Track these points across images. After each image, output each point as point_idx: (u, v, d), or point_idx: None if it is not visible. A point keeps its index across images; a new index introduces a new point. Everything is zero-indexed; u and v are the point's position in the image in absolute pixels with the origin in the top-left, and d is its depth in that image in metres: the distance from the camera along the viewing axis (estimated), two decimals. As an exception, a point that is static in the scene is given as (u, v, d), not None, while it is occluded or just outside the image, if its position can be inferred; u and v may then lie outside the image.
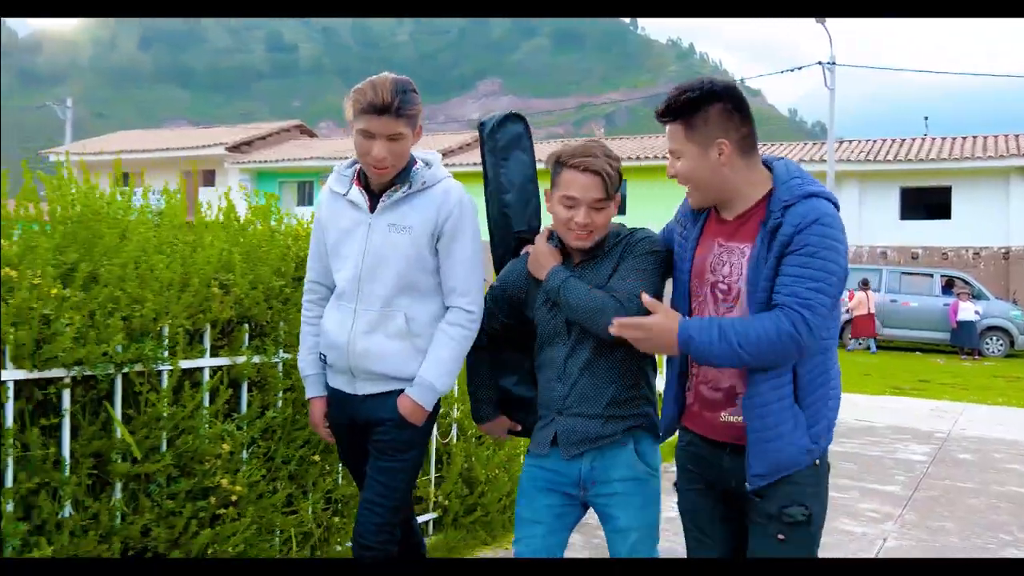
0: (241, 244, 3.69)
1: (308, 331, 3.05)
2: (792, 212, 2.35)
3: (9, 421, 2.75)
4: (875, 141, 28.66)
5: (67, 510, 2.87)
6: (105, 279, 3.03)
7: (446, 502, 4.61)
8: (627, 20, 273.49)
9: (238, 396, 3.55)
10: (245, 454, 3.46)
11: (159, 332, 3.16)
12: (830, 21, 24.80)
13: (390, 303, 2.82)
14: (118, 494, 3.03)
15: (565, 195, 2.63)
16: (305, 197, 33.80)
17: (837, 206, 2.42)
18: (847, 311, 19.46)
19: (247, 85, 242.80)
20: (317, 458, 3.73)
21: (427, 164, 2.91)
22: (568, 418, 2.71)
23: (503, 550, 4.56)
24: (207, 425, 3.29)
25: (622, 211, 27.56)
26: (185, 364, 3.25)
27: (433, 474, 4.61)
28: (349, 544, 3.87)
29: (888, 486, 6.55)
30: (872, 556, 4.82)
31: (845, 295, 17.60)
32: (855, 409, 9.84)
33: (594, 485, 2.71)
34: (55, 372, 2.84)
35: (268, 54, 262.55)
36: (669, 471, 2.76)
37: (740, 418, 2.44)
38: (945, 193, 25.58)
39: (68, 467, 2.89)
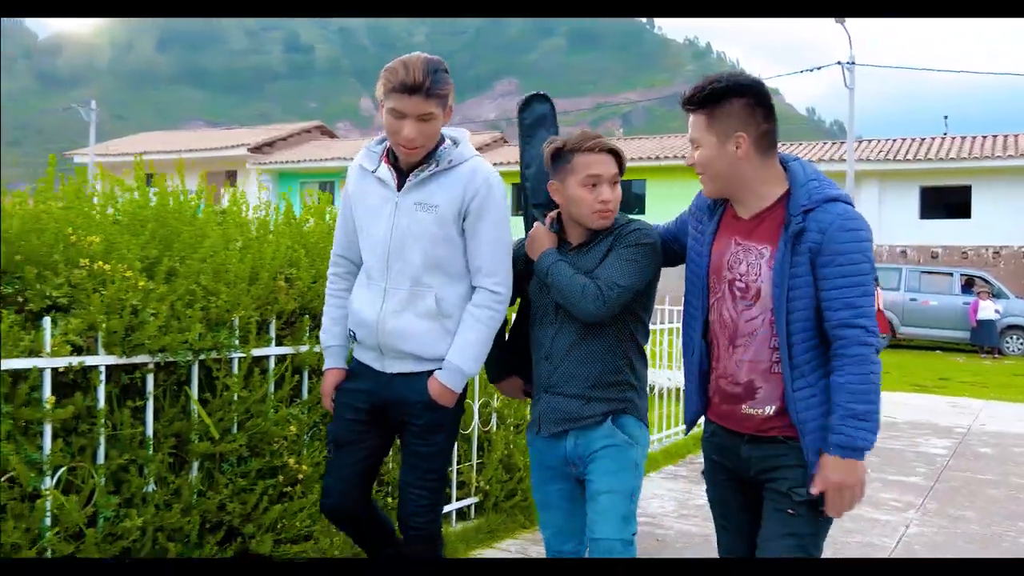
0: (301, 240, 3.92)
1: (332, 303, 3.07)
2: (815, 218, 2.40)
3: (101, 403, 2.98)
4: (894, 140, 28.68)
5: (151, 485, 3.11)
6: (184, 273, 3.26)
7: (487, 487, 4.83)
8: (644, 19, 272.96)
9: (301, 382, 3.78)
10: (307, 436, 3.68)
11: (231, 322, 3.39)
12: (849, 20, 24.85)
13: (419, 282, 2.83)
14: (195, 472, 3.27)
15: (588, 175, 2.74)
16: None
17: (853, 205, 2.47)
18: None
19: (263, 86, 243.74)
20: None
21: (455, 142, 2.90)
22: (552, 396, 2.81)
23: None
24: (274, 409, 3.52)
25: (641, 210, 27.73)
26: (256, 352, 3.48)
27: (475, 460, 4.83)
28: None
29: (910, 477, 6.72)
30: (895, 542, 5.00)
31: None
32: (876, 404, 9.97)
33: (580, 460, 2.79)
34: (141, 358, 3.07)
35: (284, 55, 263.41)
36: (696, 462, 2.93)
37: (760, 411, 2.53)
38: (965, 192, 25.59)
39: (152, 446, 3.12)
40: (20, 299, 2.87)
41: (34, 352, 2.80)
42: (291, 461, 3.48)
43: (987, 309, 19.47)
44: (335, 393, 3.02)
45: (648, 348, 3.03)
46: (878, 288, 19.92)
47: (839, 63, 25.21)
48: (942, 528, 5.36)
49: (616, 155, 2.80)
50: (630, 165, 29.18)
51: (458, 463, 4.72)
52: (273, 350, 3.60)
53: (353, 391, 2.97)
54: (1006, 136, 27.11)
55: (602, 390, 2.77)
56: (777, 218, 2.49)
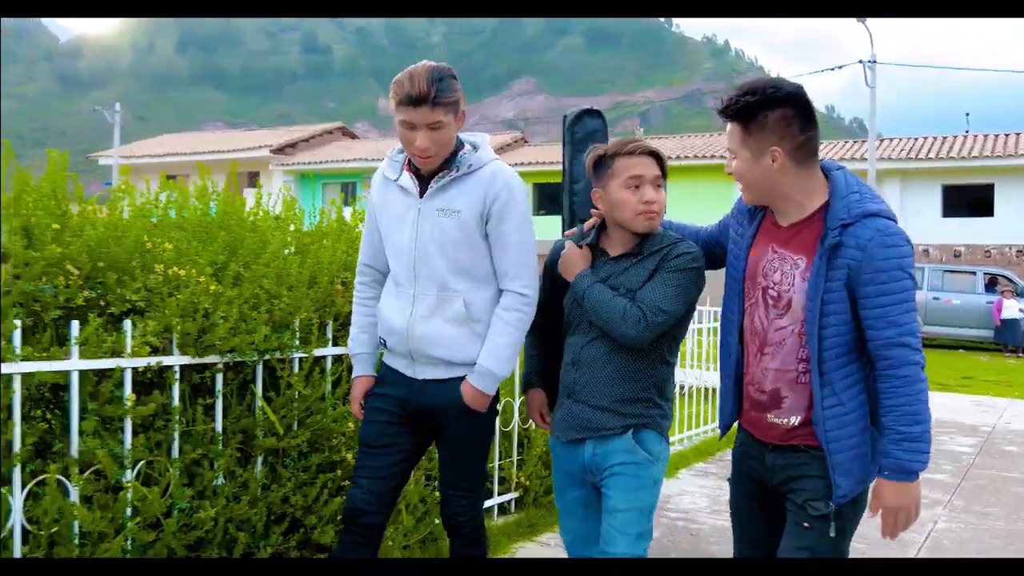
0: (353, 245, 4.10)
1: (359, 311, 3.09)
2: (853, 234, 2.35)
3: (176, 400, 3.17)
4: (916, 139, 28.62)
5: (220, 478, 3.29)
6: (249, 278, 3.44)
7: (527, 482, 5.00)
8: (661, 18, 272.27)
9: (356, 381, 3.95)
10: (363, 433, 3.85)
11: (293, 324, 3.56)
12: (870, 18, 24.86)
13: (446, 287, 2.83)
14: (260, 466, 3.44)
15: (630, 176, 2.69)
16: (348, 198, 34.35)
17: (894, 220, 2.40)
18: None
19: (282, 87, 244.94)
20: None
21: (474, 147, 2.90)
22: (574, 403, 2.77)
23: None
24: (332, 407, 3.69)
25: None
26: (316, 352, 3.66)
27: (515, 457, 5.00)
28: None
29: (936, 475, 6.83)
30: (923, 537, 5.13)
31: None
32: (901, 403, 10.06)
33: (598, 471, 2.76)
34: (211, 358, 3.26)
35: (303, 56, 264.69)
36: (725, 459, 3.00)
37: (785, 420, 2.50)
38: (987, 190, 25.52)
39: (221, 441, 3.30)
40: (102, 303, 3.05)
41: (116, 353, 2.98)
42: (348, 456, 3.65)
43: (1011, 308, 19.43)
44: (365, 399, 3.05)
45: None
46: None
47: (860, 61, 25.20)
48: (969, 524, 5.48)
49: (657, 157, 2.76)
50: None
51: (499, 459, 4.89)
52: (331, 350, 3.78)
53: (384, 396, 2.99)
54: (1029, 134, 27.03)
55: (624, 405, 2.73)
56: (815, 229, 2.44)
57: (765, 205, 2.57)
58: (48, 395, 2.94)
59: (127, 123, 43.51)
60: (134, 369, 3.03)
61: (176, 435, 3.16)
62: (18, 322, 2.72)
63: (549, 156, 31.47)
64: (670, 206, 2.81)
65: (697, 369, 7.63)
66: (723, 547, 4.77)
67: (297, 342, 3.56)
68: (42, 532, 2.75)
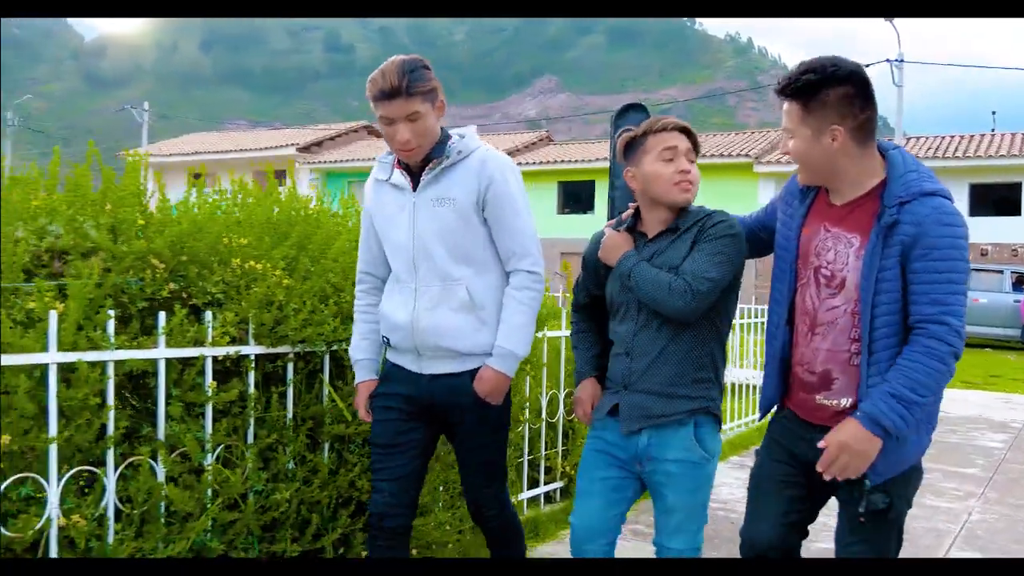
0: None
1: (360, 318, 3.13)
2: (910, 211, 2.32)
3: (251, 388, 3.34)
4: (943, 137, 28.56)
5: (291, 463, 3.45)
6: (317, 272, 3.61)
7: (572, 472, 5.15)
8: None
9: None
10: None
11: (356, 316, 3.72)
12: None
13: (449, 277, 2.85)
14: (328, 452, 3.61)
15: (664, 148, 2.71)
16: (375, 196, 34.63)
17: (951, 200, 2.38)
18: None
19: (305, 85, 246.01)
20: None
21: (461, 136, 2.92)
22: (632, 393, 2.74)
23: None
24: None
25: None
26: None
27: (560, 447, 5.16)
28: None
29: (968, 469, 6.94)
30: (959, 527, 5.25)
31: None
32: (930, 400, 10.16)
33: (650, 461, 2.74)
34: (284, 348, 3.42)
35: (326, 54, 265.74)
36: None
37: (835, 401, 2.48)
38: (1015, 189, 25.46)
39: (292, 427, 3.47)
40: (184, 295, 3.22)
41: (198, 342, 3.15)
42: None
43: (1038, 307, 19.42)
44: (370, 401, 3.07)
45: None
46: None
47: (888, 60, 25.18)
48: (1003, 515, 5.59)
49: (688, 133, 2.78)
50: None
51: (545, 449, 5.05)
52: (391, 342, 3.93)
53: (389, 395, 3.00)
54: (1056, 132, 26.93)
55: (684, 387, 2.71)
56: (870, 208, 2.42)
57: (820, 185, 2.56)
58: (129, 384, 3.11)
59: (152, 122, 43.98)
60: (214, 358, 3.20)
61: (251, 421, 3.33)
62: (112, 313, 2.89)
63: (573, 154, 31.61)
64: (697, 204, 2.85)
65: (729, 365, 7.76)
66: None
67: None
68: (135, 511, 2.92)
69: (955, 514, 5.56)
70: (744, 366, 7.93)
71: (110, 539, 2.85)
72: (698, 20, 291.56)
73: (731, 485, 5.97)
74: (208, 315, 3.18)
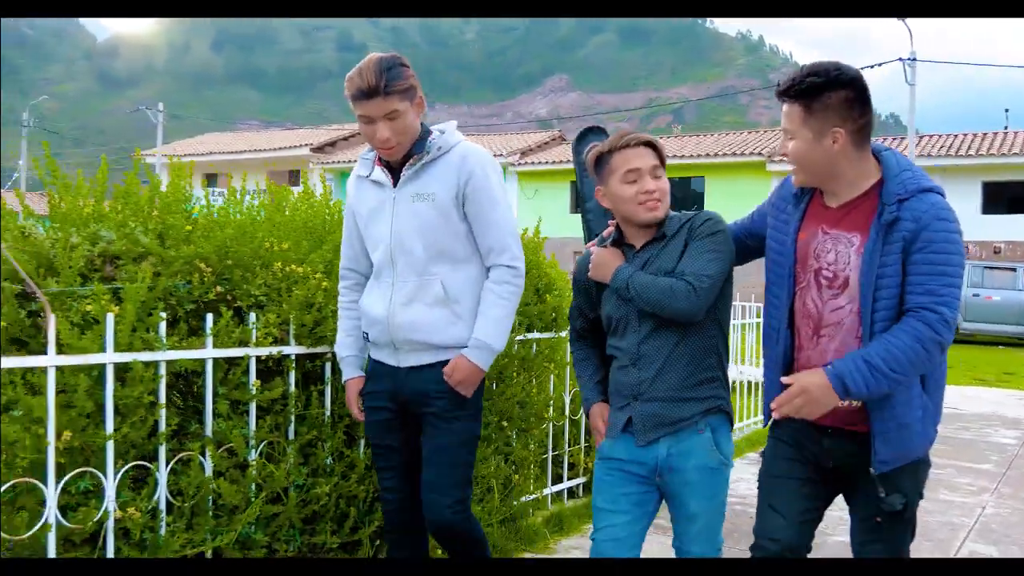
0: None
1: (343, 315, 3.19)
2: (909, 208, 2.38)
3: (292, 386, 3.48)
4: (955, 136, 28.58)
5: (329, 458, 3.60)
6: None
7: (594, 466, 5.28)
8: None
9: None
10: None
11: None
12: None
13: (425, 271, 2.88)
14: (363, 448, 3.75)
15: (627, 170, 2.70)
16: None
17: (945, 196, 2.46)
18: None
19: (316, 85, 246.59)
20: (505, 423, 4.42)
21: (441, 132, 2.94)
22: (645, 403, 2.73)
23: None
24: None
25: (700, 207, 27.86)
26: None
27: (583, 444, 5.30)
28: (524, 499, 4.60)
29: (982, 464, 7.04)
30: (973, 520, 5.36)
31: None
32: (943, 397, 10.25)
33: (670, 472, 2.72)
34: (322, 348, 3.57)
35: (337, 54, 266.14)
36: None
37: (844, 403, 2.44)
38: (1028, 187, 25.49)
39: (330, 424, 3.62)
40: (229, 297, 3.37)
41: (243, 343, 3.29)
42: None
43: (1052, 304, 19.44)
44: (361, 399, 3.12)
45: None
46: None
47: (900, 59, 25.20)
48: (1016, 509, 5.69)
49: (652, 147, 2.78)
50: (688, 162, 28.66)
51: (568, 446, 5.19)
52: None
53: (375, 393, 3.06)
54: (1070, 130, 26.90)
55: (695, 389, 2.72)
56: (868, 207, 2.46)
57: (815, 187, 2.59)
58: (178, 383, 3.26)
59: (164, 122, 44.22)
60: (257, 357, 3.34)
61: (292, 418, 3.47)
62: (164, 314, 3.04)
63: (586, 154, 31.60)
64: (709, 203, 2.96)
65: (741, 364, 7.89)
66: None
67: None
68: (185, 504, 3.07)
69: (969, 508, 5.67)
70: (758, 364, 8.05)
71: (162, 531, 2.99)
72: (709, 19, 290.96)
73: (748, 481, 6.08)
74: (252, 317, 3.32)
